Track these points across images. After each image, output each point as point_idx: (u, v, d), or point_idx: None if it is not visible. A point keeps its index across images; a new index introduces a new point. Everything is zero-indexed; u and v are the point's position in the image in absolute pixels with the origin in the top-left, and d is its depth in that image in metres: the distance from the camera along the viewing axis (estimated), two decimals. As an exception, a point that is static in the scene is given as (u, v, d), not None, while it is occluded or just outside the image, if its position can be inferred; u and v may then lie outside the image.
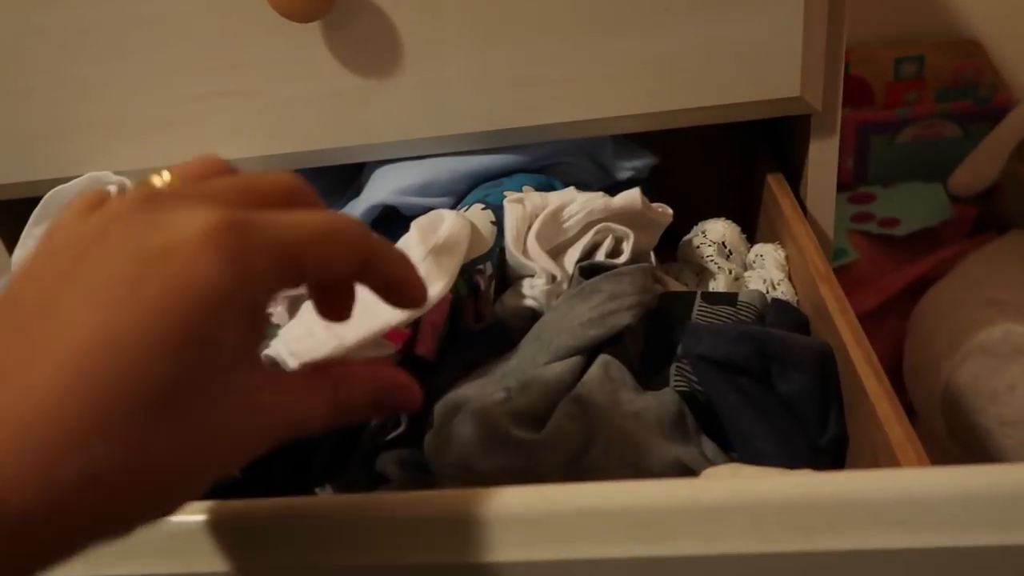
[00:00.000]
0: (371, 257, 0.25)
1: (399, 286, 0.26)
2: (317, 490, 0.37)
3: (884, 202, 0.91)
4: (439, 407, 0.38)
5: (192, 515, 0.28)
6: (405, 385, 0.27)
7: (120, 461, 0.19)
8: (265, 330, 0.24)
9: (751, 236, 0.53)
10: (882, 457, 0.33)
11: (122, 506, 0.20)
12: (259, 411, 0.22)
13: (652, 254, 0.48)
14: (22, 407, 0.19)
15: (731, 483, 0.26)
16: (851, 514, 0.25)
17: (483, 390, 0.38)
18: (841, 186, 0.94)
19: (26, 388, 0.19)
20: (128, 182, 0.49)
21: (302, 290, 0.26)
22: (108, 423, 0.19)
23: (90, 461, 0.19)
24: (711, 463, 0.36)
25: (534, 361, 0.38)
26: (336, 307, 0.27)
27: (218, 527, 0.29)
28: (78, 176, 0.50)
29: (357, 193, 0.53)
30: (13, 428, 0.18)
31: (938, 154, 0.90)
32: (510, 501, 0.27)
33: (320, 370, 0.25)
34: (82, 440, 0.19)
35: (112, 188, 0.50)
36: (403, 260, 0.26)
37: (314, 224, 0.23)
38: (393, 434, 0.37)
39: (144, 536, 0.22)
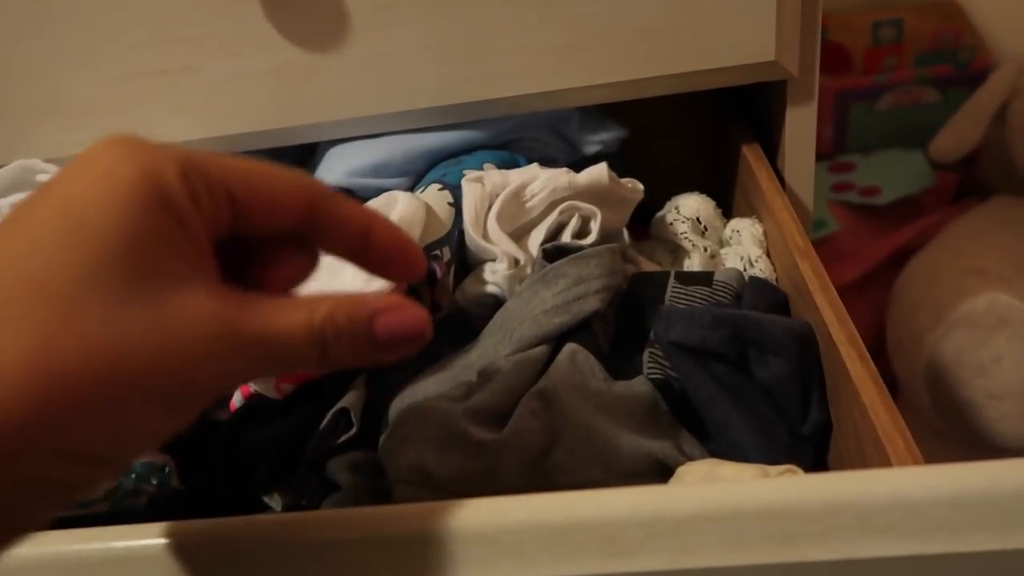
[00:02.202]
0: (320, 204, 0.23)
1: (369, 243, 0.24)
2: (265, 498, 0.34)
3: (864, 171, 0.89)
4: (394, 406, 0.35)
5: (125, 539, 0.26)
6: (405, 304, 0.23)
7: (26, 348, 0.18)
8: (213, 265, 0.22)
9: (728, 211, 0.51)
10: (868, 448, 0.30)
11: (45, 407, 0.18)
12: (209, 325, 0.20)
13: (625, 232, 0.46)
14: None
15: (702, 491, 0.23)
16: (836, 520, 0.23)
17: (441, 386, 0.35)
18: (820, 155, 0.92)
19: None
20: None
21: None
22: (8, 312, 0.19)
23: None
24: (688, 457, 0.33)
25: (496, 353, 0.36)
26: (285, 268, 0.24)
27: (144, 551, 0.26)
28: (5, 164, 0.46)
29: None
30: None
31: (918, 120, 0.88)
32: (464, 516, 0.24)
33: (294, 297, 0.23)
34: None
35: (46, 178, 0.46)
36: (369, 215, 0.24)
37: (244, 161, 0.22)
38: (344, 436, 0.34)
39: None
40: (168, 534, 0.25)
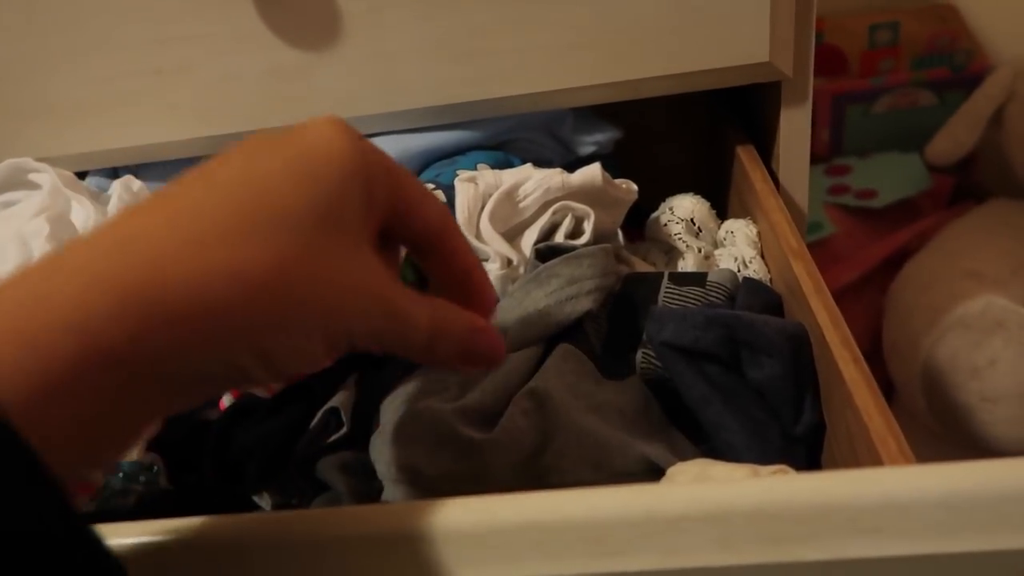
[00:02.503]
0: (449, 229, 0.27)
1: (467, 282, 0.28)
2: (254, 498, 0.34)
3: (861, 173, 0.89)
4: (385, 405, 0.35)
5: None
6: (489, 329, 0.27)
7: (258, 264, 0.21)
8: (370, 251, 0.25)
9: (722, 212, 0.51)
10: (861, 450, 0.30)
11: (261, 310, 0.22)
12: (374, 289, 0.24)
13: (620, 233, 0.46)
14: (175, 207, 0.22)
15: (692, 490, 0.23)
16: (825, 521, 0.22)
17: (432, 385, 0.35)
18: (817, 158, 0.92)
19: (180, 199, 0.22)
20: (51, 170, 0.45)
21: None
22: (250, 228, 0.22)
23: (232, 256, 0.21)
24: (680, 458, 0.33)
25: (487, 352, 0.36)
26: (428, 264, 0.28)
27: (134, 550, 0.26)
28: (-5, 163, 0.46)
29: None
30: (164, 219, 0.22)
31: (914, 123, 0.88)
32: (453, 515, 0.24)
33: (422, 294, 0.26)
34: (226, 237, 0.21)
35: (38, 176, 0.46)
36: (475, 259, 0.28)
37: (414, 178, 0.27)
38: (335, 436, 0.34)
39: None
40: (153, 532, 0.24)
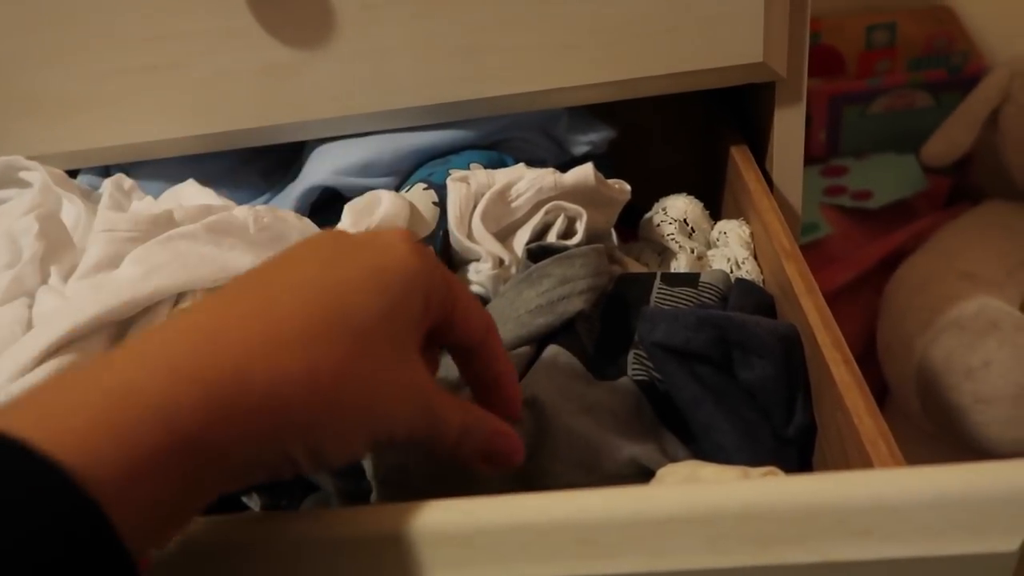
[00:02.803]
0: (489, 339, 0.29)
1: (494, 385, 0.30)
2: (243, 499, 0.34)
3: (857, 174, 0.89)
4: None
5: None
6: (511, 434, 0.29)
7: (326, 367, 0.23)
8: (421, 360, 0.27)
9: (716, 212, 0.51)
10: (851, 452, 0.30)
11: (323, 409, 0.23)
12: (418, 394, 0.26)
13: (613, 233, 0.46)
14: (256, 305, 0.24)
15: (681, 492, 0.23)
16: (814, 523, 0.22)
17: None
18: (813, 159, 0.92)
19: (260, 297, 0.24)
20: (42, 168, 0.45)
21: None
22: (325, 333, 0.23)
23: (307, 358, 0.23)
24: (671, 459, 0.33)
25: (479, 352, 0.36)
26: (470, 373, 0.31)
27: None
28: (-13, 161, 0.46)
29: (297, 175, 0.50)
30: (246, 316, 0.23)
31: (911, 124, 0.88)
32: (441, 517, 0.24)
33: (456, 398, 0.28)
34: (303, 340, 0.23)
35: (29, 175, 0.46)
36: (506, 364, 0.30)
37: (464, 288, 0.29)
38: (325, 437, 0.34)
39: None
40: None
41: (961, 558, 0.22)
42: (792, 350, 0.35)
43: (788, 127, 0.48)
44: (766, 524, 0.22)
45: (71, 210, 0.43)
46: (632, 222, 0.48)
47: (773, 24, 0.43)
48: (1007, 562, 0.22)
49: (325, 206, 0.48)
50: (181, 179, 0.48)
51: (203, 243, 0.36)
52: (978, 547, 0.22)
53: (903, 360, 0.67)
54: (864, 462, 0.29)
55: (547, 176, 0.40)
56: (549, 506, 0.23)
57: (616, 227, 0.46)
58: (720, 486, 0.23)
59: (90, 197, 0.46)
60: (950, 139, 0.81)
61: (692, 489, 0.23)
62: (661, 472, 0.31)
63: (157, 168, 0.49)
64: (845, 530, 0.22)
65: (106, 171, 0.50)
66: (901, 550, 0.22)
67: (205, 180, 0.46)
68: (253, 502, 0.34)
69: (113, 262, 0.36)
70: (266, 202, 0.50)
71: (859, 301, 0.80)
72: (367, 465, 0.33)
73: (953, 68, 0.87)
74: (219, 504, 0.31)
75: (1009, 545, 0.22)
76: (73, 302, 0.33)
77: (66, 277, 0.37)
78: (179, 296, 0.35)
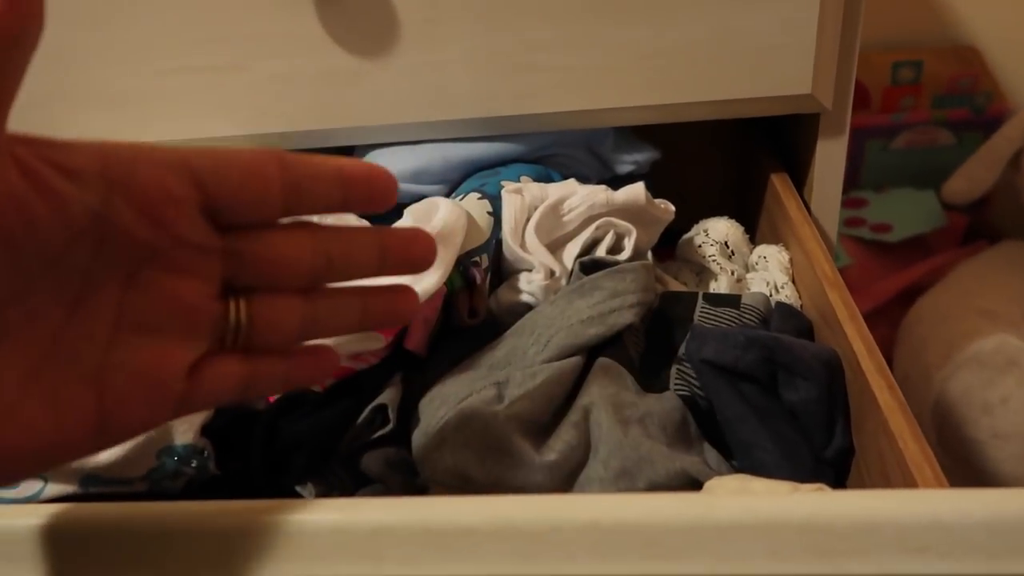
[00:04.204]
0: (290, 160, 0.23)
1: (345, 180, 0.24)
2: (297, 488, 0.35)
3: (877, 207, 0.90)
4: (424, 403, 0.36)
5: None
6: (381, 176, 0.24)
7: None
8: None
9: (750, 237, 0.52)
10: (894, 475, 0.31)
11: None
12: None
13: (650, 253, 0.47)
14: None
15: (745, 501, 0.24)
16: (873, 537, 0.23)
17: (473, 384, 0.36)
18: (836, 190, 0.93)
19: None
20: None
21: None
22: None
23: None
24: (715, 472, 0.34)
25: (526, 353, 0.37)
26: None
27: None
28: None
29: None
30: None
31: (932, 161, 0.89)
32: (510, 511, 0.25)
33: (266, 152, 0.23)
34: None
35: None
36: (334, 158, 0.24)
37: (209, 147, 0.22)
38: (380, 432, 0.35)
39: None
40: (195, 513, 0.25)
41: (1014, 578, 0.23)
42: (835, 375, 0.36)
43: (829, 158, 0.49)
44: (827, 536, 0.23)
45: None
46: (666, 242, 0.49)
47: (823, 57, 0.45)
48: (1058, 584, 0.23)
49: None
50: (233, 176, 0.49)
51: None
52: (1031, 568, 0.23)
53: (921, 392, 0.68)
54: (908, 484, 0.30)
55: (599, 193, 0.41)
56: (619, 507, 0.24)
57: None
58: (783, 498, 0.24)
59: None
60: (972, 177, 0.82)
61: (756, 499, 0.24)
62: (709, 484, 0.32)
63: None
64: (903, 546, 0.23)
65: (160, 164, 0.52)
66: (956, 568, 0.23)
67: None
68: (307, 492, 0.35)
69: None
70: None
71: (875, 333, 0.81)
72: (422, 468, 0.34)
73: (977, 108, 0.89)
74: (274, 494, 0.32)
75: (1061, 568, 0.23)
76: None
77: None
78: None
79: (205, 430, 0.34)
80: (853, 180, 0.92)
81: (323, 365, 0.27)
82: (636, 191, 0.42)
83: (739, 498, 0.24)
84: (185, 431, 0.33)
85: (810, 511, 0.24)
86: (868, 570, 0.23)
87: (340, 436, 0.35)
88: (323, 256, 0.25)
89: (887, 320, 0.81)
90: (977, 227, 0.89)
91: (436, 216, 0.39)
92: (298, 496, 0.35)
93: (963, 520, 0.23)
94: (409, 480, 0.34)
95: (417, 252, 0.26)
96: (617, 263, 0.39)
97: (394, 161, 0.48)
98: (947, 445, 0.66)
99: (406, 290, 0.27)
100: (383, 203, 0.25)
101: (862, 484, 0.35)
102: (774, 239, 0.49)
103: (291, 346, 0.26)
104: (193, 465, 0.33)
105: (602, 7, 0.44)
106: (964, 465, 0.65)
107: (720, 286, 0.45)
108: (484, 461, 0.31)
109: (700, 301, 0.41)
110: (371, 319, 0.27)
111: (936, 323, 0.72)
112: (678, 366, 0.38)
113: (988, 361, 0.64)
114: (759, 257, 0.47)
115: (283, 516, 0.25)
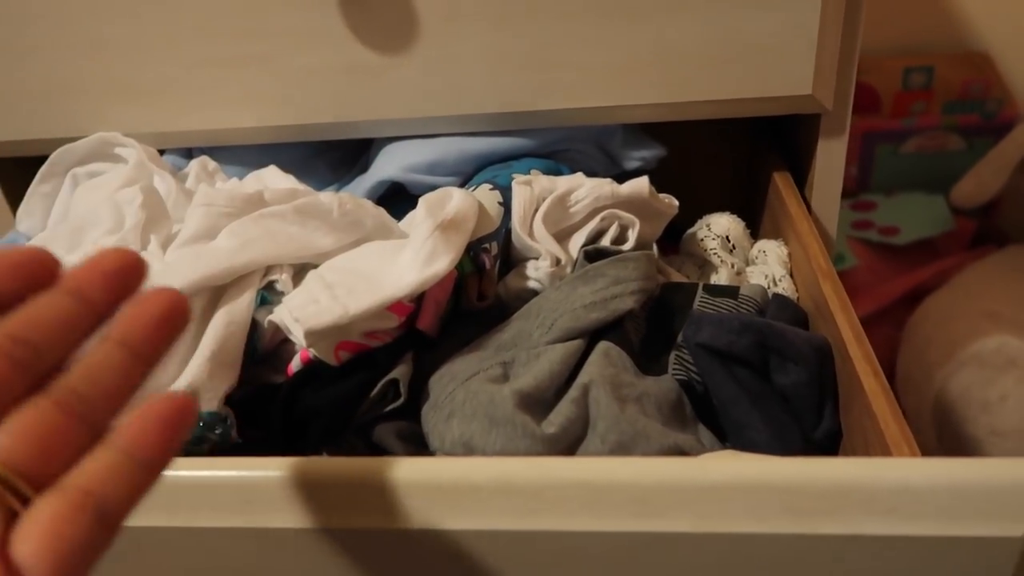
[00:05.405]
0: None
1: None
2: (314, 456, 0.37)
3: (885, 210, 0.91)
4: (433, 379, 0.38)
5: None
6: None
7: None
8: None
9: (752, 232, 0.53)
10: (876, 453, 0.33)
11: None
12: None
13: (655, 246, 0.49)
14: None
15: (726, 464, 0.26)
16: (845, 499, 0.25)
17: (481, 363, 0.38)
18: (843, 193, 0.94)
19: None
20: (137, 145, 0.49)
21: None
22: None
23: None
24: (708, 450, 0.36)
25: (531, 336, 0.39)
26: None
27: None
28: (86, 136, 0.50)
29: (364, 169, 0.53)
30: None
31: (941, 166, 0.91)
32: (512, 470, 0.27)
33: None
34: None
35: (124, 151, 0.50)
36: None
37: None
38: (392, 406, 0.37)
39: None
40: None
41: (973, 540, 0.25)
42: (825, 361, 0.38)
43: (829, 158, 0.50)
44: (802, 498, 0.25)
45: (162, 186, 0.47)
46: (671, 237, 0.51)
47: (824, 58, 0.46)
48: (1014, 546, 0.25)
49: (388, 199, 0.51)
50: (257, 165, 0.51)
51: (290, 223, 0.39)
52: (988, 531, 0.25)
53: (922, 390, 0.69)
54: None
55: (605, 186, 0.43)
56: (612, 469, 0.26)
57: (656, 242, 0.49)
58: (763, 462, 0.26)
59: (175, 176, 0.50)
60: (980, 182, 0.83)
61: (737, 463, 0.26)
62: (701, 457, 0.33)
63: (235, 153, 0.53)
64: (872, 508, 0.25)
65: (188, 153, 0.54)
66: (920, 529, 0.25)
67: (280, 167, 0.49)
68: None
69: (209, 233, 0.39)
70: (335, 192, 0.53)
71: (879, 334, 0.83)
72: (431, 438, 0.36)
73: (987, 114, 0.90)
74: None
75: (1015, 531, 0.24)
76: (176, 266, 0.36)
77: (164, 245, 0.41)
78: (268, 268, 0.38)
79: (228, 399, 0.36)
80: (863, 183, 0.94)
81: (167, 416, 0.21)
82: (640, 184, 0.44)
83: (721, 462, 0.26)
84: (210, 399, 0.35)
85: (787, 475, 0.26)
86: (840, 530, 0.25)
87: (355, 408, 0.37)
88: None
89: (892, 321, 0.83)
90: (985, 231, 0.90)
91: (449, 204, 0.41)
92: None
93: (927, 485, 0.25)
94: (418, 452, 0.36)
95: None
96: (620, 252, 0.41)
97: (411, 153, 0.50)
98: (947, 443, 0.68)
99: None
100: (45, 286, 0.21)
101: (848, 464, 0.37)
102: (775, 235, 0.51)
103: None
104: (217, 432, 0.35)
105: (614, 8, 0.46)
106: (962, 461, 0.66)
107: (720, 278, 0.47)
108: (489, 433, 0.34)
109: (700, 291, 0.43)
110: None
111: (940, 323, 0.73)
112: (677, 352, 0.40)
113: (989, 360, 0.66)
114: (759, 251, 0.49)
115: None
